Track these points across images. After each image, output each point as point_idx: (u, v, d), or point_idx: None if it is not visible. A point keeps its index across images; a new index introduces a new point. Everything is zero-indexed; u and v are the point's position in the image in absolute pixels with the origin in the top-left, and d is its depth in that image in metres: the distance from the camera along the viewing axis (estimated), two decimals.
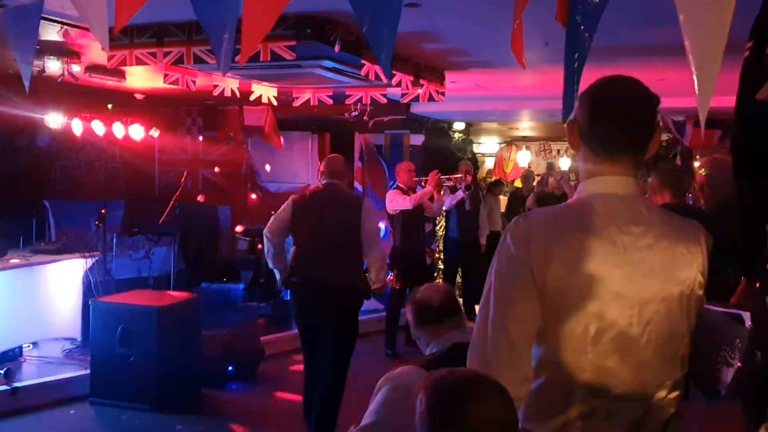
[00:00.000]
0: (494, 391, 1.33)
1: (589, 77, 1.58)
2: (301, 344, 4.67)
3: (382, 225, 9.58)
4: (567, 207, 1.62)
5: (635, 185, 1.58)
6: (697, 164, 9.36)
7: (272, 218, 4.51)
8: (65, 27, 4.70)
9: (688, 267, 1.54)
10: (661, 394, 1.52)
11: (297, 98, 6.90)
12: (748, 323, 2.08)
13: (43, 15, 2.40)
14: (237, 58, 1.97)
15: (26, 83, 2.35)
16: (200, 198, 9.07)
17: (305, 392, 4.65)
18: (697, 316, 1.58)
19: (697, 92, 0.87)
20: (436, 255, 9.41)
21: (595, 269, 1.47)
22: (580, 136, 1.60)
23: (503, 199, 10.20)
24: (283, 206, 4.52)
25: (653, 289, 1.50)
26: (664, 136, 10.73)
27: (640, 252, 1.50)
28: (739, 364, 1.91)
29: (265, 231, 4.51)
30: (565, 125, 1.61)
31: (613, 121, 1.54)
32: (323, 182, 4.53)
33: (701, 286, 1.57)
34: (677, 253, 1.53)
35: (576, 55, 1.26)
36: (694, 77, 0.86)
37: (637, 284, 1.49)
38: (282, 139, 9.35)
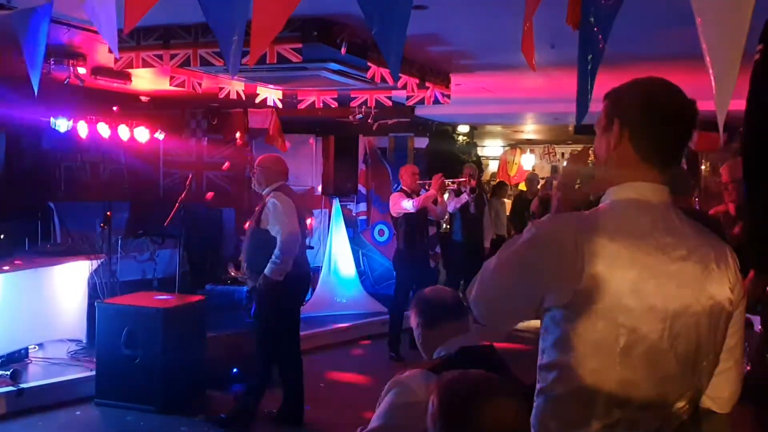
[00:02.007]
0: (507, 394, 1.32)
1: (597, 80, 1.57)
2: (273, 340, 4.82)
3: (385, 228, 9.61)
4: (597, 212, 1.53)
5: (668, 194, 1.54)
6: (703, 167, 9.35)
7: (292, 229, 4.56)
8: (73, 29, 4.71)
9: (718, 282, 1.50)
10: (680, 404, 1.50)
11: (302, 101, 6.91)
12: (757, 327, 2.08)
13: (51, 17, 2.40)
14: (245, 60, 1.98)
15: (35, 85, 2.36)
16: (208, 196, 9.08)
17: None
18: (727, 335, 1.55)
19: (715, 95, 0.87)
20: (440, 258, 9.40)
21: (629, 279, 1.43)
22: (631, 139, 1.52)
23: (508, 203, 10.20)
24: (289, 212, 4.60)
25: (685, 302, 1.46)
26: None
27: (674, 264, 1.46)
28: (748, 368, 1.91)
29: (291, 245, 4.54)
30: (571, 126, 1.59)
31: (674, 129, 1.51)
32: (280, 183, 4.81)
33: (731, 303, 1.52)
34: (708, 267, 1.50)
35: (590, 58, 1.25)
36: (712, 80, 0.86)
37: (670, 296, 1.45)
38: (286, 142, 9.35)
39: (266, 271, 4.58)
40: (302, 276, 4.88)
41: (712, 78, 0.85)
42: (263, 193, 4.80)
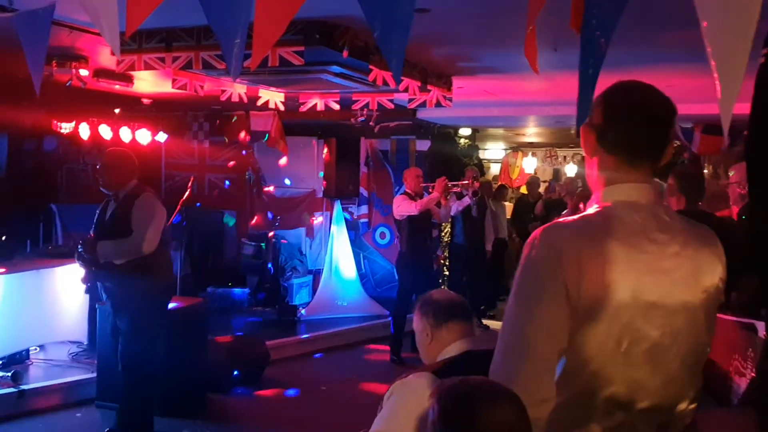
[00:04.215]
0: (507, 400, 1.31)
1: (598, 84, 1.57)
2: (150, 343, 4.51)
3: (386, 231, 9.60)
4: (593, 216, 1.54)
5: (655, 192, 1.55)
6: (705, 171, 9.34)
7: (156, 229, 4.38)
8: (75, 32, 4.71)
9: (711, 274, 1.52)
10: (683, 405, 1.50)
11: (304, 103, 6.91)
12: (761, 333, 2.07)
13: (53, 20, 2.40)
14: (247, 63, 1.97)
15: (37, 87, 2.36)
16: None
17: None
18: (715, 325, 1.56)
19: (719, 98, 0.86)
20: (442, 261, 9.39)
21: (628, 279, 1.44)
22: (598, 140, 1.55)
23: (508, 206, 10.17)
24: (160, 211, 4.45)
25: (682, 297, 1.47)
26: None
27: (669, 260, 1.47)
28: (752, 374, 1.89)
29: (151, 245, 4.33)
30: (573, 130, 1.60)
31: (636, 122, 1.50)
32: (135, 183, 4.56)
33: (720, 293, 1.54)
34: (701, 261, 1.51)
35: (591, 61, 1.25)
36: (717, 84, 0.85)
37: (668, 293, 1.46)
38: (288, 145, 9.37)
39: (105, 250, 4.35)
40: (171, 284, 4.65)
41: (716, 81, 0.85)
42: (117, 194, 4.50)
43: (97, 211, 4.67)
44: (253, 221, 9.26)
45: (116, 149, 4.81)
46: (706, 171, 9.34)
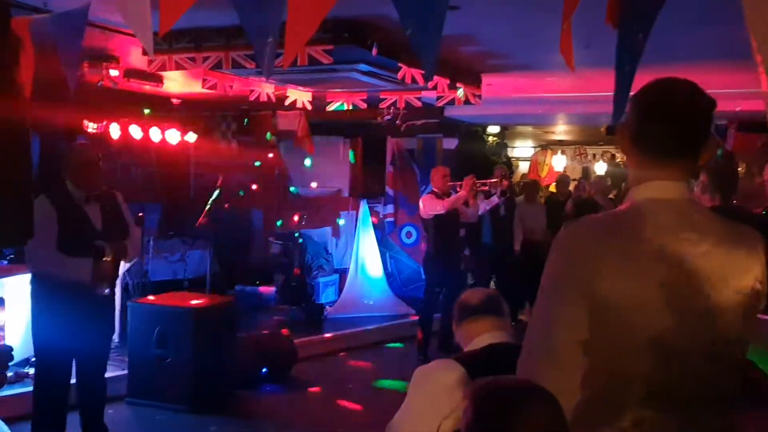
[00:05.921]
0: (542, 400, 1.30)
1: (635, 80, 1.55)
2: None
3: (412, 230, 9.58)
4: (617, 214, 1.56)
5: (687, 190, 1.53)
6: (740, 169, 9.17)
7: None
8: (106, 32, 4.77)
9: (744, 276, 1.48)
10: (712, 406, 1.48)
11: (331, 102, 6.93)
12: None
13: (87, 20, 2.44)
14: (278, 62, 1.99)
15: (72, 86, 2.40)
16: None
17: None
18: (752, 326, 1.53)
19: (764, 92, 0.84)
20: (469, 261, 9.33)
21: (647, 279, 1.43)
22: (631, 139, 1.55)
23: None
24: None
25: (707, 299, 1.44)
26: None
27: (695, 261, 1.45)
28: None
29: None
30: (603, 127, 1.58)
31: (664, 121, 1.49)
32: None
33: (757, 296, 1.50)
34: (732, 262, 1.48)
35: (627, 58, 1.22)
36: (762, 77, 0.83)
37: (691, 294, 1.44)
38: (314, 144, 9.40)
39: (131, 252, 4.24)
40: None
41: (761, 75, 0.82)
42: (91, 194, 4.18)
43: (55, 214, 3.98)
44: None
45: (85, 145, 4.61)
46: (740, 169, 9.16)
